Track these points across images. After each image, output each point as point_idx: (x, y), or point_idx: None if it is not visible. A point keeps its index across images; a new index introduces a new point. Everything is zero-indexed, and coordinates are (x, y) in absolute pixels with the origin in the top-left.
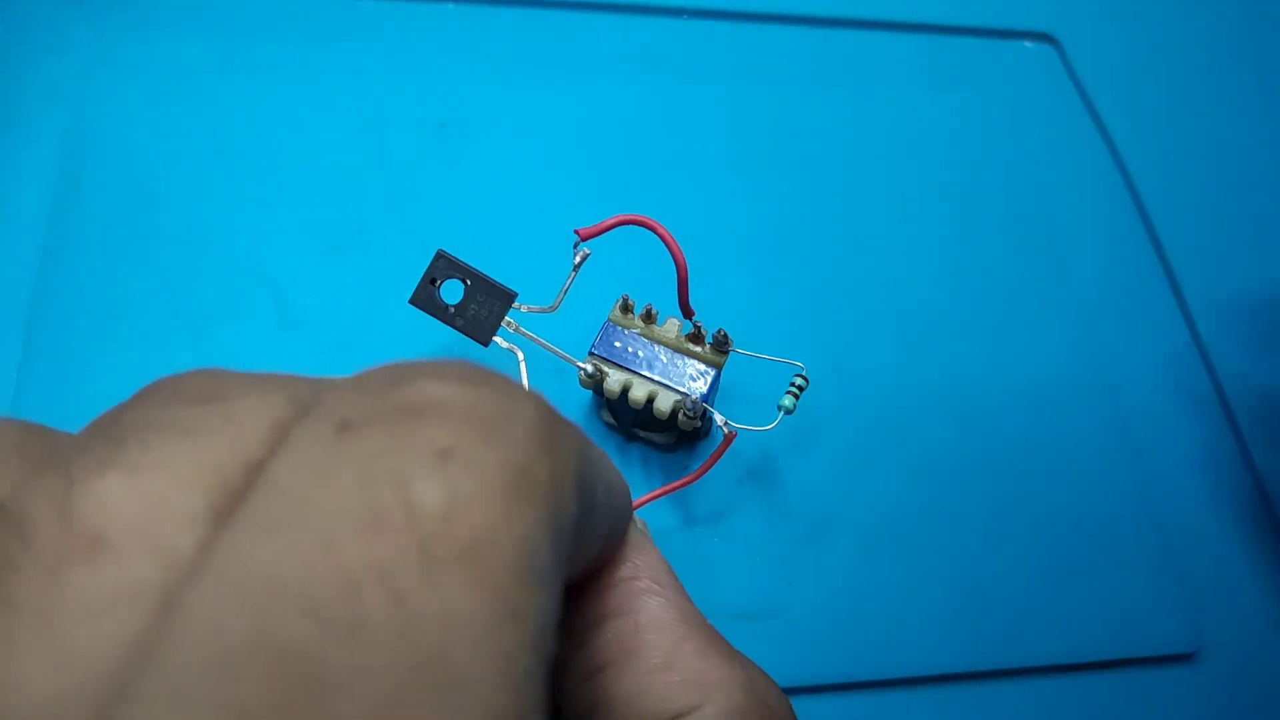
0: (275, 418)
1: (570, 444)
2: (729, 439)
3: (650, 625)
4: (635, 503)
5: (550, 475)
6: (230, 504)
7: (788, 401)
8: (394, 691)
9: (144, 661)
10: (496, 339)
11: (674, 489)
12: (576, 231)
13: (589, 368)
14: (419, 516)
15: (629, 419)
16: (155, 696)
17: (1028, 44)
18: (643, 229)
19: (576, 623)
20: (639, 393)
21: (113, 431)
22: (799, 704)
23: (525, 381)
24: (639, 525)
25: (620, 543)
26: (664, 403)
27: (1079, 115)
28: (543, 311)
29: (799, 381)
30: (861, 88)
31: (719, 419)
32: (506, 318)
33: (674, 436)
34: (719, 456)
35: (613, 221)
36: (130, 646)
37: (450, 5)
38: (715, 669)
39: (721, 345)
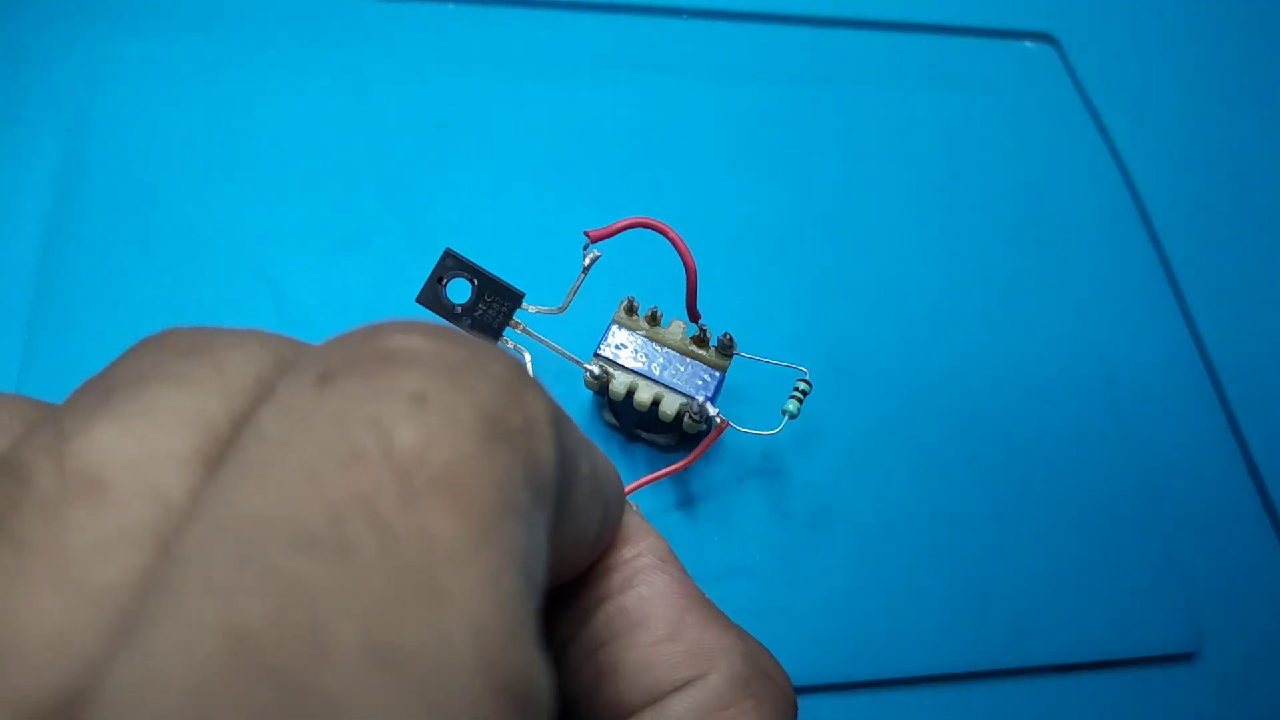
0: (260, 372)
1: (541, 400)
2: (720, 428)
3: (654, 598)
4: (627, 488)
5: (523, 423)
6: (217, 451)
7: (791, 406)
8: (382, 606)
9: (148, 595)
10: (504, 339)
11: (664, 475)
12: (586, 233)
13: (595, 369)
14: (396, 452)
15: (632, 420)
16: (161, 624)
17: (1028, 44)
18: (650, 231)
19: (580, 603)
20: (644, 395)
21: (102, 385)
22: (800, 703)
23: None
24: (634, 509)
25: (617, 528)
26: (669, 405)
27: (1079, 115)
28: (550, 312)
29: (802, 386)
30: (862, 88)
31: (711, 409)
32: (514, 318)
33: (675, 438)
34: (709, 444)
35: (623, 224)
36: (134, 582)
37: (450, 5)
38: (718, 639)
39: (726, 349)
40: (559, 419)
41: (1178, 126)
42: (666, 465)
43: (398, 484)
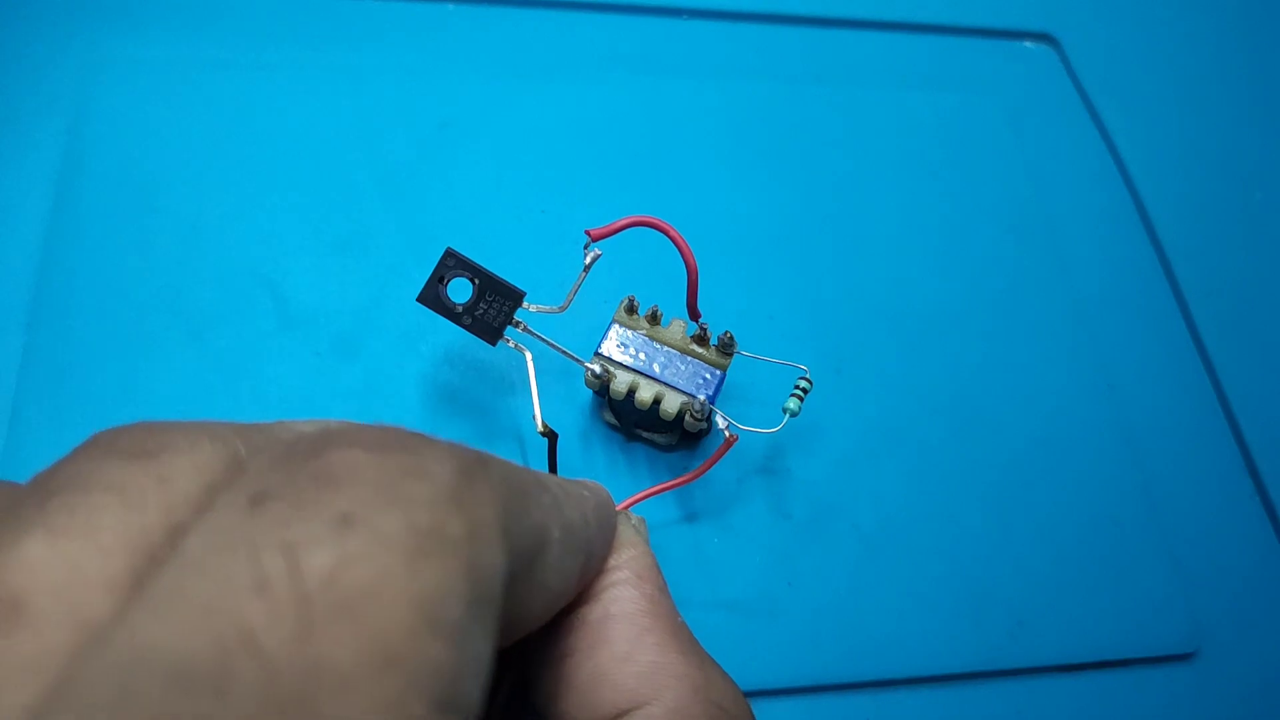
0: (210, 479)
1: (491, 498)
2: (730, 442)
3: (619, 616)
4: (631, 499)
5: (464, 530)
6: (151, 567)
7: (792, 404)
8: None
9: None
10: (504, 339)
11: (670, 487)
12: (587, 232)
13: (596, 368)
14: (301, 580)
15: (632, 420)
16: None
17: (1028, 44)
18: (650, 230)
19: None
20: (645, 394)
21: (47, 486)
22: (799, 704)
23: (533, 382)
24: (633, 521)
25: (605, 558)
26: (670, 404)
27: (1079, 115)
28: (551, 312)
29: (803, 384)
30: (862, 88)
31: (722, 421)
32: (514, 317)
33: (675, 437)
34: (719, 458)
35: (624, 223)
36: (24, 714)
37: (450, 5)
38: (672, 665)
39: (726, 347)
40: (515, 505)
41: (1178, 126)
42: (674, 475)
43: (295, 613)
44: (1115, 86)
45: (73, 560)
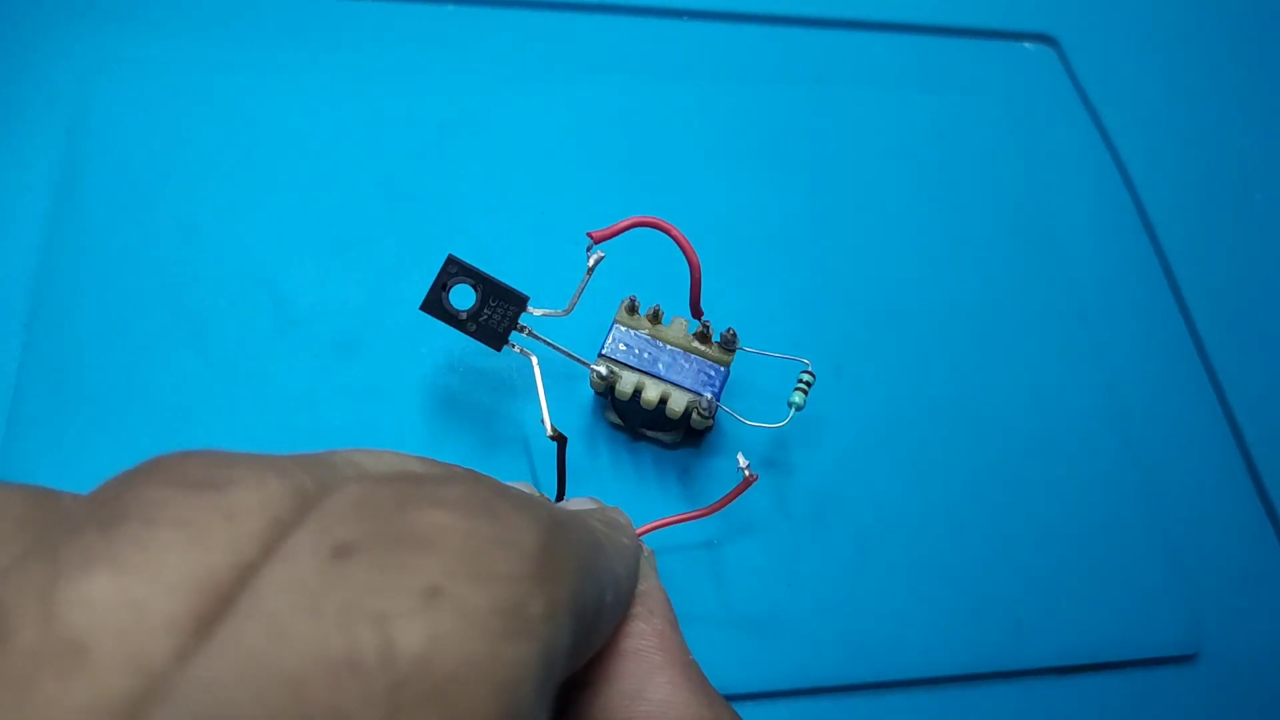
0: (276, 514)
1: (570, 571)
2: (748, 481)
3: (630, 652)
4: (645, 528)
5: (545, 610)
6: (217, 608)
7: (797, 398)
8: None
9: None
10: (510, 344)
11: (687, 519)
12: (589, 234)
13: (602, 370)
14: (393, 660)
15: (637, 420)
16: None
17: (1028, 44)
18: (651, 230)
19: None
20: (651, 393)
21: (109, 512)
22: (799, 705)
23: (540, 386)
24: (646, 554)
25: (628, 608)
26: (677, 403)
27: (1079, 116)
28: (556, 315)
29: (806, 378)
30: (862, 89)
31: (742, 461)
32: (519, 322)
33: (680, 435)
34: (735, 496)
35: (626, 224)
36: None
37: (450, 6)
38: (683, 703)
39: (729, 344)
40: (586, 575)
41: (1178, 127)
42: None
43: (387, 699)
44: (1115, 87)
45: (138, 600)
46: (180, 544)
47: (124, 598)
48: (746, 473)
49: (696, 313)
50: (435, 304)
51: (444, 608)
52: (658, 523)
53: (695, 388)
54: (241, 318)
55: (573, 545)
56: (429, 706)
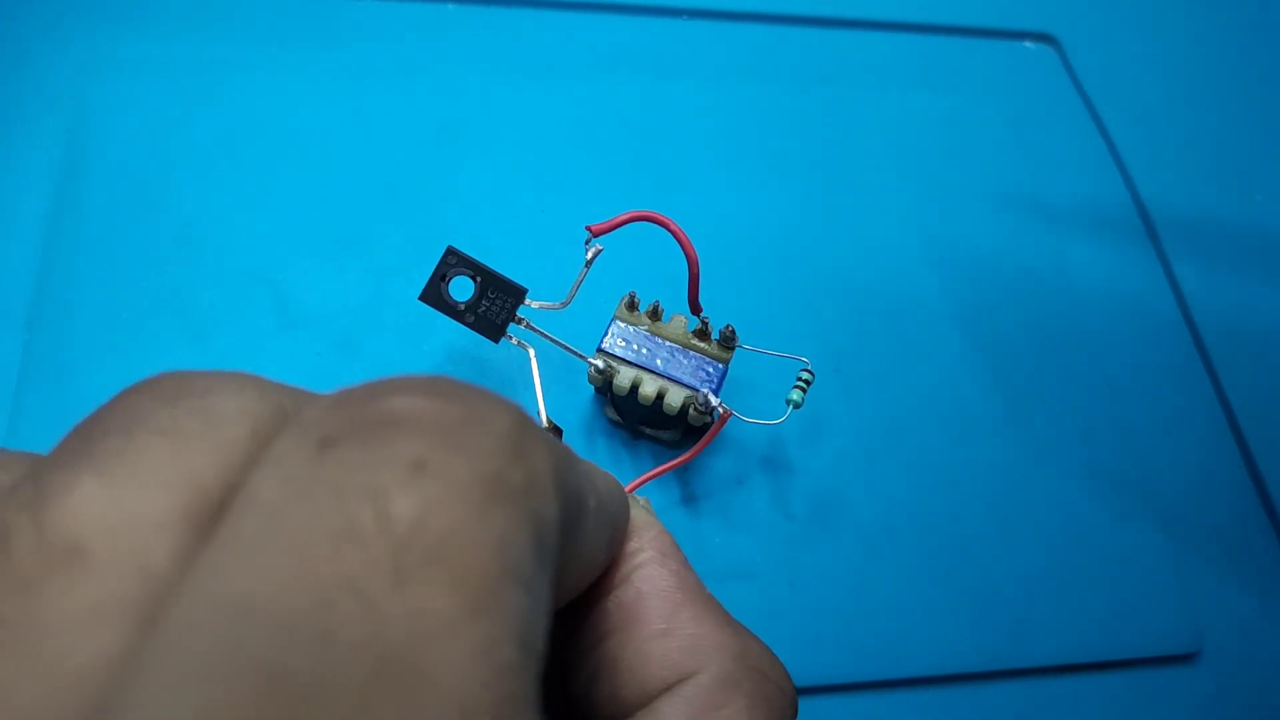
0: (255, 425)
1: (545, 452)
2: (724, 418)
3: (651, 593)
4: (631, 484)
5: (524, 480)
6: (205, 511)
7: (796, 395)
8: (364, 697)
9: (124, 678)
10: (507, 335)
11: (668, 469)
12: (588, 228)
13: (600, 364)
14: (392, 526)
15: (635, 416)
16: (136, 712)
17: (1028, 44)
18: (651, 225)
19: (580, 598)
20: (649, 389)
21: (90, 433)
22: (799, 704)
23: (537, 379)
24: (642, 503)
25: (623, 540)
26: (674, 399)
27: (1079, 115)
28: (553, 308)
29: (805, 375)
30: (862, 88)
31: (714, 400)
32: (517, 314)
33: (680, 433)
34: (712, 436)
35: (625, 218)
36: (111, 662)
37: (450, 6)
38: (712, 635)
39: (728, 341)
40: (563, 464)
41: (1178, 126)
42: (670, 458)
43: (392, 561)
44: (1115, 86)
45: (129, 503)
46: (164, 450)
47: (113, 502)
48: (721, 409)
49: (695, 309)
50: (434, 295)
51: (430, 477)
52: (639, 479)
53: (693, 384)
54: (242, 317)
55: (543, 436)
56: (432, 566)
